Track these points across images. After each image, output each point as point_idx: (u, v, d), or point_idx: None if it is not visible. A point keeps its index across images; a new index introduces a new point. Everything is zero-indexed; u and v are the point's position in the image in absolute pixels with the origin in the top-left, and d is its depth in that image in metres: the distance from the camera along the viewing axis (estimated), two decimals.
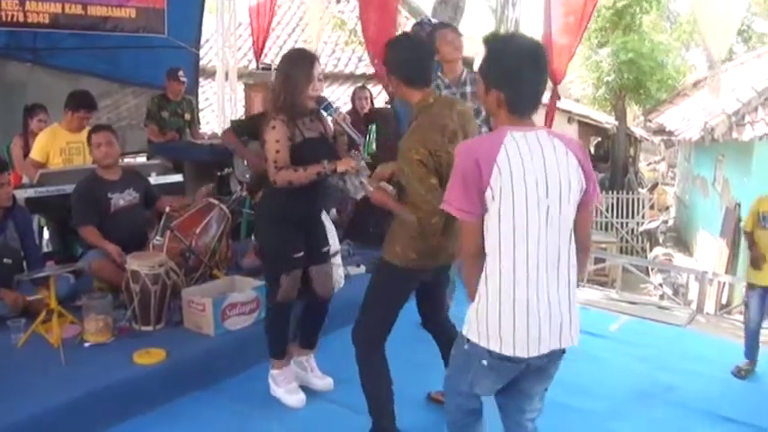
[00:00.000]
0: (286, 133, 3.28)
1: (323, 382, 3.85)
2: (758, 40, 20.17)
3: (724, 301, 9.16)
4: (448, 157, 2.71)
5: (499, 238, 2.19)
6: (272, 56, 14.51)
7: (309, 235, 3.58)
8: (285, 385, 3.65)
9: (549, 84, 5.81)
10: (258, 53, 9.15)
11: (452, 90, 4.34)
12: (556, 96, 5.89)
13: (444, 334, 3.36)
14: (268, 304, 3.66)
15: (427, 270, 3.13)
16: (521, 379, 2.36)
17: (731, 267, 10.14)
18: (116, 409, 3.37)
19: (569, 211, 2.25)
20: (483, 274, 2.25)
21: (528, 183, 2.16)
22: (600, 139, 20.13)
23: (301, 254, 3.49)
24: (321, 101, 3.40)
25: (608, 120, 18.77)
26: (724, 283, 9.18)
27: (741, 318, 5.73)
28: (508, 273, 2.19)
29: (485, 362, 2.28)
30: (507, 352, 2.22)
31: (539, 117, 2.80)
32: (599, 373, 3.13)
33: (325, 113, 3.48)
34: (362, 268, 5.32)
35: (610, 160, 17.59)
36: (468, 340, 2.31)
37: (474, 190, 2.18)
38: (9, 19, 6.74)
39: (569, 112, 17.45)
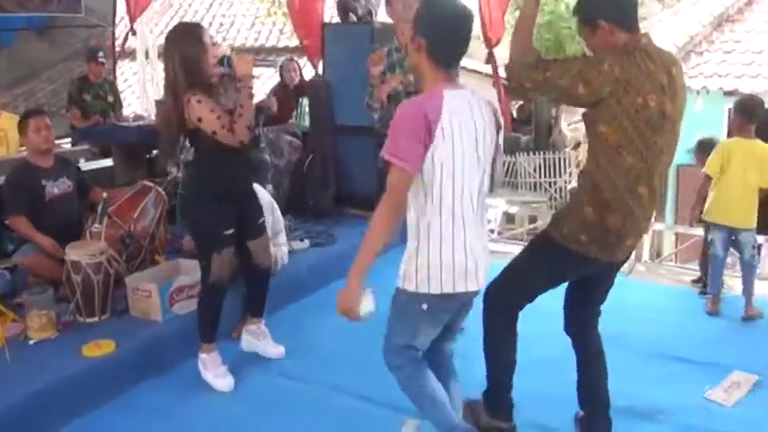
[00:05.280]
0: (213, 103, 3.26)
1: (276, 349, 3.89)
2: None
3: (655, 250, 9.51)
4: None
5: (441, 189, 2.39)
6: None
7: (241, 209, 3.55)
8: (213, 369, 3.59)
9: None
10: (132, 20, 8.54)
11: (401, 55, 4.16)
12: (493, 60, 6.00)
13: (589, 345, 3.03)
14: (201, 285, 3.62)
15: (597, 262, 2.75)
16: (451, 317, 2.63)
17: (658, 216, 10.51)
18: (69, 404, 3.29)
19: (489, 163, 2.53)
20: (422, 225, 2.44)
21: (464, 138, 2.38)
22: (522, 102, 20.41)
23: (232, 231, 3.45)
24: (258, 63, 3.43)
25: None
26: (656, 232, 9.51)
27: (674, 264, 6.01)
28: (449, 220, 2.42)
29: (425, 306, 2.49)
30: (448, 290, 2.46)
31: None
32: (548, 326, 3.20)
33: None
34: (306, 242, 5.31)
35: (533, 122, 17.87)
36: (406, 291, 2.51)
37: (420, 144, 2.33)
38: None
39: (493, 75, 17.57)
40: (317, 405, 3.44)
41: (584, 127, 2.73)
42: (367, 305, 2.48)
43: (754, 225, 4.56)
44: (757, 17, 11.01)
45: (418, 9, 2.49)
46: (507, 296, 2.86)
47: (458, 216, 2.43)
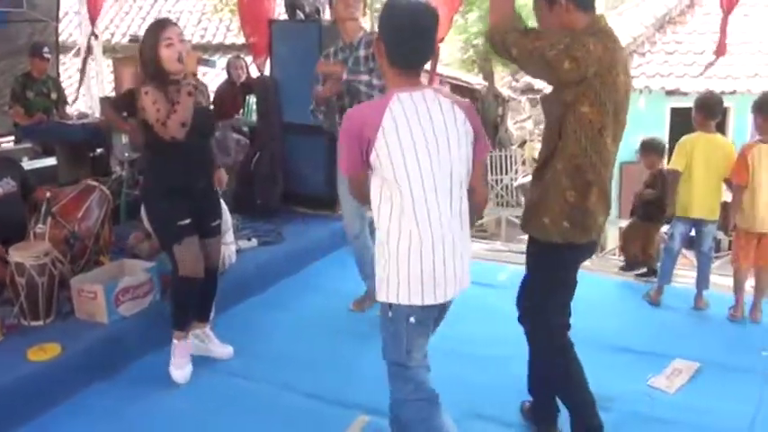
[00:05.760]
0: (161, 97, 3.28)
1: (224, 350, 3.88)
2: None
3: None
4: None
5: (401, 198, 2.33)
6: (135, 27, 13.98)
7: (198, 208, 3.53)
8: (178, 357, 3.59)
9: None
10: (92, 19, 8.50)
11: (345, 54, 4.15)
12: (436, 58, 6.03)
13: None
14: (172, 278, 3.59)
15: (582, 248, 2.80)
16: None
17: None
18: (15, 410, 3.21)
19: (461, 164, 2.41)
20: (388, 237, 2.38)
21: (417, 140, 2.30)
22: (469, 100, 20.58)
23: (188, 221, 3.43)
24: (200, 61, 3.44)
25: (477, 81, 19.22)
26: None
27: (617, 258, 6.17)
28: (414, 230, 2.34)
29: (413, 319, 2.41)
30: (429, 301, 2.39)
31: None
32: (496, 322, 3.28)
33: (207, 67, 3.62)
34: (254, 241, 5.28)
35: (480, 120, 18.03)
36: (391, 306, 2.41)
37: (357, 149, 2.33)
38: None
39: (440, 74, 17.69)
40: (268, 404, 3.44)
41: (555, 111, 2.64)
42: None
43: (717, 216, 4.70)
44: (699, 19, 11.29)
45: (381, 11, 2.46)
46: (548, 330, 2.89)
47: (423, 221, 2.34)
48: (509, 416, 3.30)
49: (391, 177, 2.31)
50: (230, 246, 4.67)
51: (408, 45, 2.36)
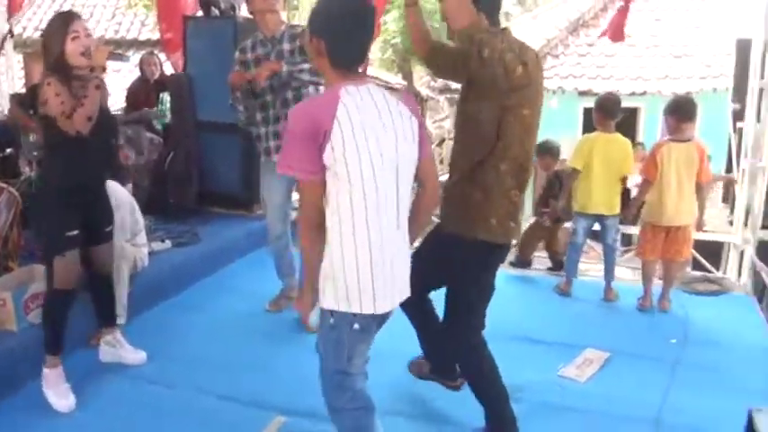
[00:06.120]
0: (65, 91, 3.15)
1: (136, 355, 3.75)
2: (533, 3, 21.63)
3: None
4: None
5: (350, 197, 2.18)
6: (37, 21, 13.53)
7: (90, 213, 3.40)
8: (55, 387, 3.33)
9: None
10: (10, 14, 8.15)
11: (267, 48, 4.04)
12: (367, 60, 6.01)
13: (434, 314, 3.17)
14: (46, 291, 3.42)
15: (502, 248, 2.88)
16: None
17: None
18: None
19: (409, 162, 2.31)
20: (335, 240, 2.22)
21: (369, 137, 2.16)
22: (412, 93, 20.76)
23: (76, 232, 3.29)
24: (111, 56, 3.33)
25: (397, 81, 19.35)
26: None
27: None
28: (362, 233, 2.21)
29: (357, 326, 2.28)
30: (381, 310, 2.28)
31: None
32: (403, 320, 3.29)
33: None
34: (168, 243, 5.15)
35: None
36: (333, 313, 2.28)
37: (314, 149, 2.14)
38: None
39: (387, 83, 17.77)
40: (182, 408, 3.34)
41: (489, 114, 2.70)
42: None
43: (618, 211, 4.89)
44: None
45: (313, 7, 2.31)
46: (467, 331, 2.94)
47: (373, 227, 2.21)
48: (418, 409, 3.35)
49: (344, 175, 2.15)
50: (143, 248, 4.52)
51: (354, 44, 2.26)
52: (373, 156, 2.17)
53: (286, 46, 3.99)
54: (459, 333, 2.95)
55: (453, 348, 3.03)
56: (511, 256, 5.57)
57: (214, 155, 6.06)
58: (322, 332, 2.37)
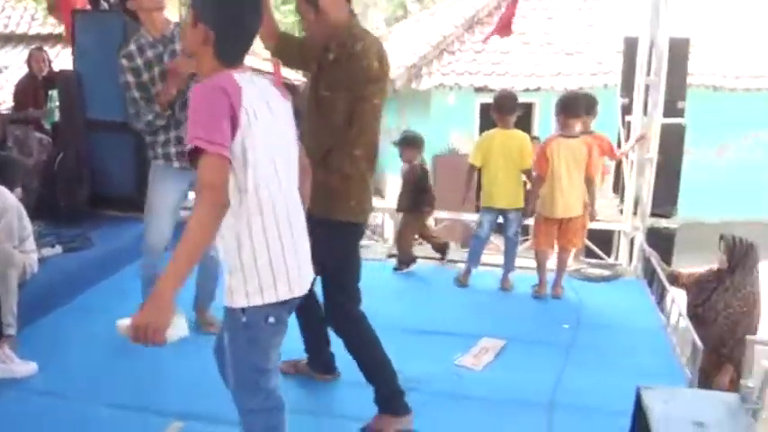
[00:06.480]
0: None
1: (25, 367, 3.57)
2: (431, 0, 21.91)
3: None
4: None
5: (256, 183, 2.11)
6: None
7: None
8: None
9: None
10: None
11: (159, 49, 3.82)
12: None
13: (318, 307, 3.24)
14: None
15: (361, 226, 3.14)
16: None
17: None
18: None
19: (294, 147, 2.34)
20: (243, 232, 2.14)
21: (264, 122, 2.12)
22: (292, 95, 20.56)
23: None
24: None
25: (296, 77, 19.20)
26: None
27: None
28: (271, 218, 2.16)
29: (272, 319, 2.23)
30: (285, 296, 2.23)
31: None
32: None
33: None
34: (58, 248, 4.94)
35: (301, 116, 18.06)
36: (245, 310, 2.20)
37: (229, 127, 2.01)
38: None
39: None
40: (75, 419, 3.20)
41: (343, 104, 2.88)
42: (180, 328, 2.10)
43: (521, 205, 5.03)
44: None
45: None
46: (347, 303, 3.10)
47: (280, 213, 2.18)
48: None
49: (252, 161, 2.08)
50: (31, 254, 4.32)
51: (245, 37, 2.19)
52: (272, 141, 2.16)
53: (179, 46, 3.79)
54: (338, 310, 3.12)
55: (336, 325, 3.17)
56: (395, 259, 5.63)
57: (105, 155, 5.85)
58: (232, 333, 2.27)
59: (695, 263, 5.41)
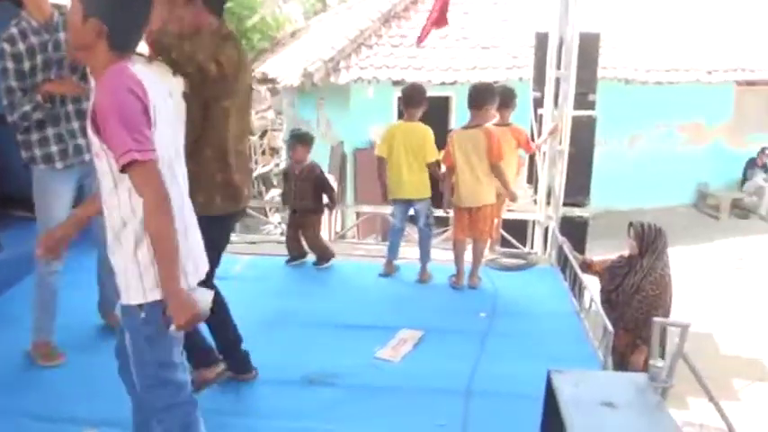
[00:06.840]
0: None
1: None
2: None
3: (339, 228, 9.98)
4: None
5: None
6: None
7: None
8: None
9: None
10: None
11: (43, 37, 3.51)
12: None
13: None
14: None
15: (233, 216, 3.27)
16: None
17: (340, 198, 11.07)
18: None
19: (182, 135, 2.35)
20: (139, 230, 2.12)
21: (165, 115, 2.14)
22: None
23: None
24: None
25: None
26: (339, 212, 10.00)
27: (356, 240, 6.43)
28: (177, 209, 2.15)
29: None
30: (194, 282, 2.27)
31: None
32: (235, 311, 3.25)
33: None
34: None
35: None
36: (143, 306, 2.18)
37: (149, 125, 2.05)
38: None
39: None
40: None
41: (196, 105, 2.84)
42: (205, 296, 2.26)
43: (427, 195, 5.09)
44: (422, 15, 11.94)
45: None
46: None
47: (176, 203, 2.15)
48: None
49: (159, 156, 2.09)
50: None
51: (139, 26, 2.17)
52: (169, 133, 2.19)
53: (63, 35, 3.55)
54: None
55: None
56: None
57: (11, 153, 5.60)
58: (132, 332, 2.25)
59: (609, 249, 5.61)
